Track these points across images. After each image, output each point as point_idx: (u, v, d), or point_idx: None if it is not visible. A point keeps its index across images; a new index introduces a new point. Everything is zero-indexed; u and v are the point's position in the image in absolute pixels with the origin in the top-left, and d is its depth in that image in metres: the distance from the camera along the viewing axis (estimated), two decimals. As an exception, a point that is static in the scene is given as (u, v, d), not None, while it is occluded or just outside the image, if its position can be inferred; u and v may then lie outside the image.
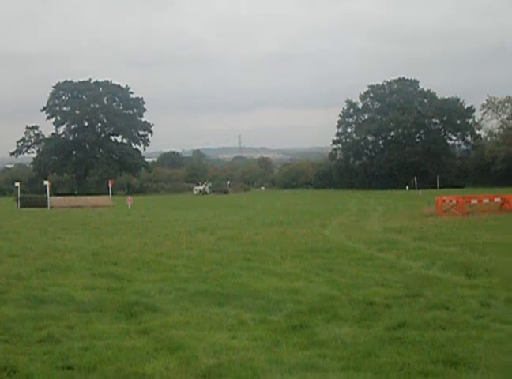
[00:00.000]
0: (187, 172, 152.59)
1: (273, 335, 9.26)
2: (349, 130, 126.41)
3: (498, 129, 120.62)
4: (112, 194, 73.67)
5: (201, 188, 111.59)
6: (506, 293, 11.92)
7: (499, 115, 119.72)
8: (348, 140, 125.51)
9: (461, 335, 8.86)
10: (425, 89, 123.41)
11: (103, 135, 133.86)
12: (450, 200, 38.40)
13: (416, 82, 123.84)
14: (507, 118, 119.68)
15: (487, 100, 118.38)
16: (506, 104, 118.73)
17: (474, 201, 38.33)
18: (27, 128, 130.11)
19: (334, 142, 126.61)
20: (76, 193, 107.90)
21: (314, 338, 9.09)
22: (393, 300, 11.47)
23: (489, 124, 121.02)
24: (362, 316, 10.31)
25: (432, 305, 10.84)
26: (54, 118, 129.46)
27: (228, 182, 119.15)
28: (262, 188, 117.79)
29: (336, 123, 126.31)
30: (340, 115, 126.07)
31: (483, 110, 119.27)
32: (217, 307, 11.29)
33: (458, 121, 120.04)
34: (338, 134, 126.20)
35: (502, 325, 9.53)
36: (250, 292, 12.53)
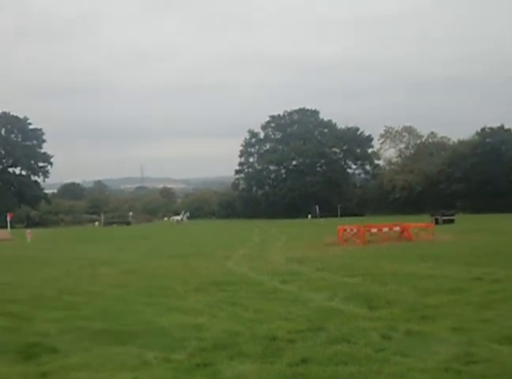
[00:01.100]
0: (88, 203, 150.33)
1: (176, 374, 9.14)
2: (251, 160, 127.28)
3: (397, 158, 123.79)
4: (11, 227, 71.90)
5: (178, 218, 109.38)
6: (406, 324, 12.13)
7: (397, 144, 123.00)
8: (250, 169, 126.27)
9: (362, 370, 8.94)
10: (325, 119, 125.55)
11: (0, 167, 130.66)
12: (351, 229, 39.05)
13: (316, 112, 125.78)
14: (405, 148, 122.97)
15: (384, 130, 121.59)
16: (404, 134, 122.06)
17: (374, 230, 39.07)
18: None
19: (237, 172, 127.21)
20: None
21: (218, 376, 9.02)
22: (296, 334, 11.50)
23: (387, 153, 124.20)
24: (265, 352, 10.29)
25: (334, 339, 10.91)
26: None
27: (131, 213, 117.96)
28: (165, 219, 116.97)
29: (239, 153, 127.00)
30: (242, 145, 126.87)
31: (382, 140, 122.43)
32: (120, 346, 11.08)
33: (358, 151, 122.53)
34: (241, 164, 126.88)
35: (403, 358, 9.67)
36: (154, 329, 12.37)
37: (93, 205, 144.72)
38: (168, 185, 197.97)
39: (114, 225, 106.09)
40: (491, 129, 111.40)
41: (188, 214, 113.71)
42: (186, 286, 19.06)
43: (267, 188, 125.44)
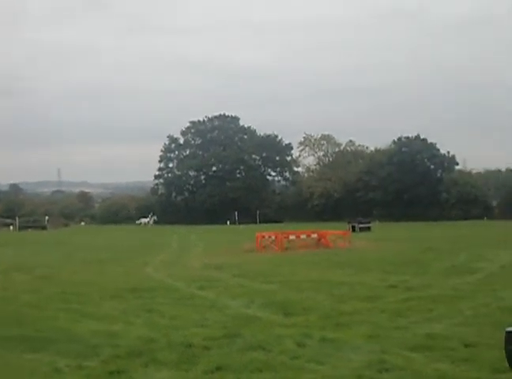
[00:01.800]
0: (2, 207, 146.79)
1: (89, 382, 9.03)
2: (171, 165, 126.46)
3: (315, 165, 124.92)
4: None
5: (145, 220, 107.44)
6: (321, 332, 12.24)
7: (316, 152, 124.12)
8: (169, 175, 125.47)
9: (277, 378, 8.99)
10: (245, 126, 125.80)
11: None
12: (270, 236, 39.24)
13: (236, 118, 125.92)
14: (323, 155, 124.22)
15: (304, 138, 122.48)
16: (322, 142, 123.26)
17: (292, 237, 39.33)
18: None
19: (156, 177, 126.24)
20: None
21: (132, 384, 8.95)
22: (212, 341, 11.49)
23: (306, 161, 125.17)
24: (180, 359, 10.24)
25: (250, 347, 10.94)
26: None
27: (47, 218, 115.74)
28: (83, 223, 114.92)
29: (158, 158, 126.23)
30: (161, 150, 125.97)
31: (301, 148, 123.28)
32: (32, 353, 10.87)
33: (277, 158, 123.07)
34: (160, 169, 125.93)
35: (317, 366, 9.75)
36: (67, 336, 12.18)
37: (8, 209, 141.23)
38: (86, 190, 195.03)
39: (30, 229, 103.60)
40: (408, 138, 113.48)
41: (155, 217, 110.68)
42: (102, 292, 18.84)
43: (186, 193, 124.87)
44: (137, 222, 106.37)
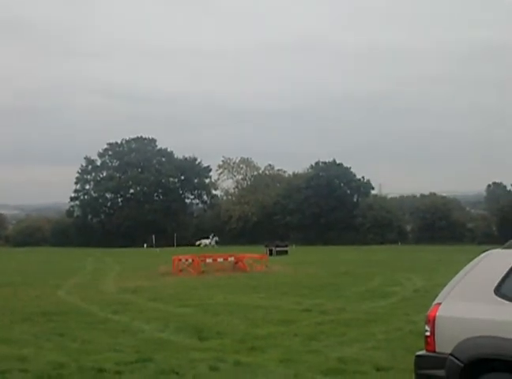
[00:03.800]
0: None
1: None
2: (87, 187, 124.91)
3: (234, 189, 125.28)
4: None
5: (207, 242, 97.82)
6: (235, 355, 12.23)
7: (234, 175, 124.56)
8: (86, 197, 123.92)
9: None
10: (163, 148, 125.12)
11: None
12: (186, 259, 39.01)
13: (153, 141, 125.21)
14: (242, 179, 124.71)
15: (222, 161, 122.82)
16: (241, 165, 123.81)
17: (209, 260, 39.20)
18: None
19: (72, 199, 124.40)
20: None
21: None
22: (125, 366, 11.35)
23: (225, 184, 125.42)
24: (91, 384, 10.09)
25: (162, 371, 10.84)
26: None
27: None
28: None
29: (75, 180, 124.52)
30: (78, 172, 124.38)
31: (220, 171, 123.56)
32: None
33: (196, 181, 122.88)
34: (76, 191, 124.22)
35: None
36: (-25, 361, 11.85)
37: None
38: (1, 211, 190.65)
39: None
40: (325, 163, 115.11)
41: (217, 238, 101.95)
42: (13, 316, 18.42)
43: (103, 216, 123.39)
44: (197, 243, 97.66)
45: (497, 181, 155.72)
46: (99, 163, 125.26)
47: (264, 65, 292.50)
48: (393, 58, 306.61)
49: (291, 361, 11.88)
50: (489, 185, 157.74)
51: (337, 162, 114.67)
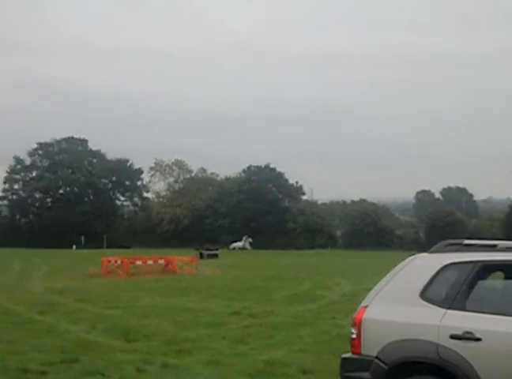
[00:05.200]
0: None
1: None
2: (16, 187, 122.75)
3: (165, 191, 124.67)
4: None
5: (240, 244, 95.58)
6: (163, 357, 12.18)
7: (166, 178, 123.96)
8: (14, 196, 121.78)
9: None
10: (94, 149, 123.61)
11: None
12: (115, 261, 38.68)
13: (85, 141, 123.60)
14: (174, 181, 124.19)
15: (155, 163, 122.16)
16: (174, 168, 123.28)
17: (139, 262, 38.96)
18: None
19: (0, 198, 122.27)
20: None
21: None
22: (50, 366, 11.20)
23: (157, 186, 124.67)
24: (15, 385, 9.92)
25: (88, 372, 10.73)
26: None
27: None
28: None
29: (3, 179, 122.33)
30: (7, 171, 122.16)
31: (152, 173, 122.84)
32: None
33: (127, 182, 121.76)
34: (4, 190, 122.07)
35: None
36: None
37: None
38: None
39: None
40: (257, 167, 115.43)
41: (250, 240, 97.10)
42: None
43: (31, 216, 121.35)
44: (231, 247, 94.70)
45: (425, 188, 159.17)
46: (28, 162, 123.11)
47: (198, 67, 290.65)
48: (331, 63, 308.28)
49: (219, 363, 11.89)
50: (418, 193, 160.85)
51: (271, 166, 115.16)
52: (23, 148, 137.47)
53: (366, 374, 7.33)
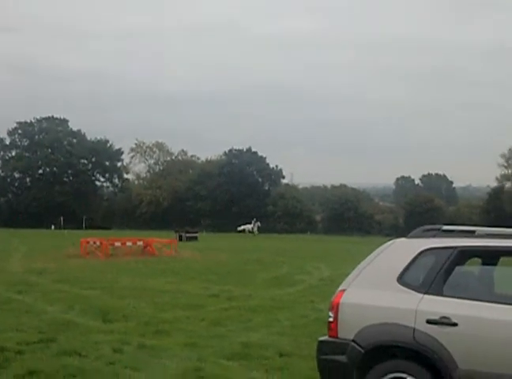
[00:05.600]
0: None
1: None
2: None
3: (146, 173, 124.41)
4: None
5: (249, 227, 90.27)
6: (140, 339, 12.20)
7: (147, 159, 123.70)
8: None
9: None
10: (74, 129, 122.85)
11: None
12: (94, 242, 38.59)
13: (65, 121, 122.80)
14: (154, 163, 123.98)
15: (135, 144, 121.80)
16: (155, 149, 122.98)
17: (118, 244, 38.88)
18: None
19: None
20: None
21: None
22: (26, 346, 11.18)
23: (137, 167, 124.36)
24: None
25: (64, 352, 10.71)
26: None
27: None
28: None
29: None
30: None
31: (132, 154, 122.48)
32: None
33: (107, 163, 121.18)
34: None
35: (133, 372, 9.70)
36: None
37: None
38: None
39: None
40: (238, 150, 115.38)
41: (259, 223, 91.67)
42: None
43: (10, 196, 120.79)
44: (239, 229, 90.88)
45: (405, 175, 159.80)
46: (8, 141, 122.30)
47: (179, 48, 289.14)
48: (309, 46, 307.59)
49: (196, 345, 11.92)
50: (398, 179, 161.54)
51: (253, 150, 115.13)
52: (2, 127, 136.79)
53: (342, 357, 7.38)
